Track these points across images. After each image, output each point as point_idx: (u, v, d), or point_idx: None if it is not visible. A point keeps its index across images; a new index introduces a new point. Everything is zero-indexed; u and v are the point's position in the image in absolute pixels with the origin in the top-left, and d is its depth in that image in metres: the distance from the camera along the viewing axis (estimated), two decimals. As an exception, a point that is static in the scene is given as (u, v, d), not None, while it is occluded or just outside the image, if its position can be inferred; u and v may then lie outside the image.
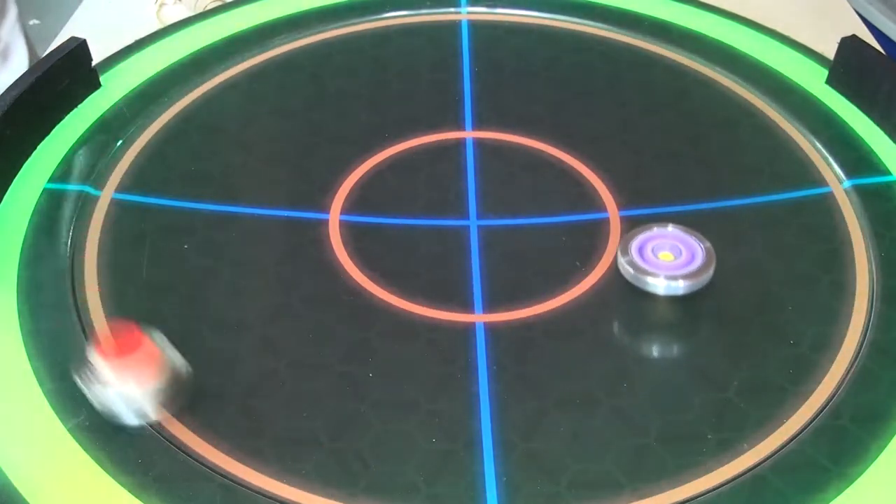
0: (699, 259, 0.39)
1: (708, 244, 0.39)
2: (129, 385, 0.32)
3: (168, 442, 0.34)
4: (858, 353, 0.37)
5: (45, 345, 0.37)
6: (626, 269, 0.39)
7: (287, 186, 0.45)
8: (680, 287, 0.38)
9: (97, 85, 0.50)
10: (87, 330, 0.38)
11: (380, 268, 0.41)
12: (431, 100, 0.50)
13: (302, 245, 0.42)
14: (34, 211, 0.43)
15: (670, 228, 0.40)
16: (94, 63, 0.49)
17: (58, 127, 0.47)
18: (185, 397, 0.34)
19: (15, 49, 0.64)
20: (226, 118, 0.49)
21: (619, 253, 0.39)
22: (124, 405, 0.33)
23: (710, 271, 0.38)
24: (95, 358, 0.32)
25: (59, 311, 0.38)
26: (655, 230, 0.40)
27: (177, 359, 0.33)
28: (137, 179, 0.45)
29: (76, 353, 0.36)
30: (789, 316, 0.39)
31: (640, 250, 0.39)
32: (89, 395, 0.33)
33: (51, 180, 0.44)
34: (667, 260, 0.39)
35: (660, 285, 0.38)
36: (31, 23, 1.51)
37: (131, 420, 0.33)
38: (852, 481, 0.33)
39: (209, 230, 0.43)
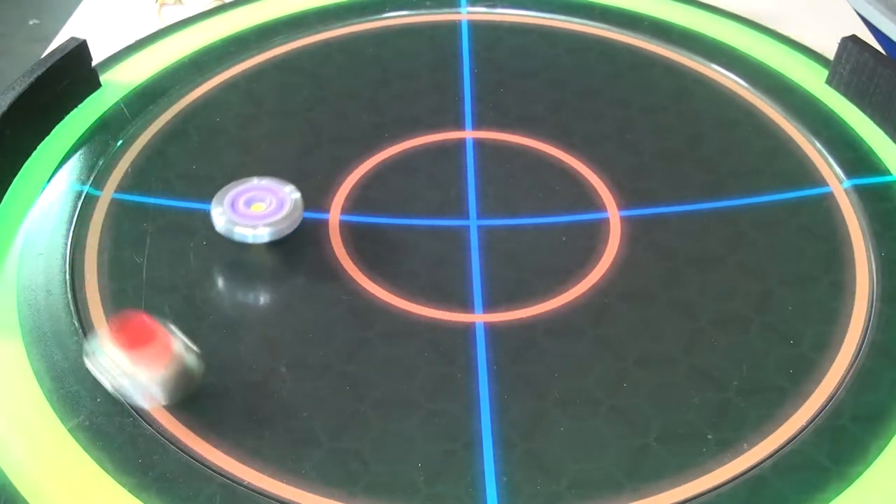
0: (286, 207, 0.40)
1: (297, 195, 0.41)
2: (140, 374, 0.32)
3: (168, 442, 0.34)
4: (858, 353, 0.37)
5: (45, 345, 0.37)
6: (219, 221, 0.40)
7: (287, 186, 0.45)
8: (265, 235, 0.39)
9: (97, 85, 0.50)
10: (87, 330, 0.38)
11: (380, 268, 0.41)
12: (431, 100, 0.50)
13: (302, 245, 0.42)
14: (34, 211, 0.43)
15: (257, 181, 0.41)
16: (94, 63, 0.49)
17: (58, 127, 0.47)
18: (194, 385, 0.34)
19: None
20: (226, 118, 0.49)
21: (212, 206, 0.40)
22: (136, 391, 0.33)
23: (296, 217, 0.40)
24: (108, 346, 0.32)
25: (59, 311, 0.38)
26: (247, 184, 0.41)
27: (188, 349, 0.34)
28: (137, 179, 0.45)
29: (77, 345, 0.36)
30: (789, 316, 0.39)
31: (233, 204, 0.40)
32: (100, 380, 0.33)
33: (51, 180, 0.44)
34: (258, 210, 0.40)
35: (248, 234, 0.39)
36: (31, 23, 1.51)
37: (142, 403, 0.34)
38: (852, 481, 0.33)
39: (209, 230, 0.42)
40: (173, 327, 0.34)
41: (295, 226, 0.40)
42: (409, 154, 0.47)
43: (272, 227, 0.39)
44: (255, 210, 0.40)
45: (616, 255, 0.42)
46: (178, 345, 0.33)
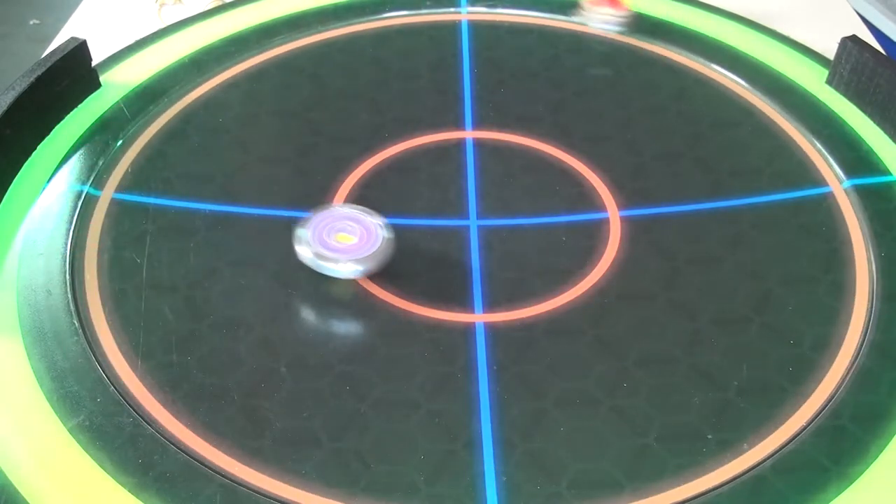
0: (377, 240, 0.38)
1: (382, 222, 0.39)
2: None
3: (168, 442, 0.34)
4: (858, 353, 0.37)
5: (45, 345, 0.37)
6: (306, 256, 0.38)
7: (287, 186, 0.45)
8: (360, 270, 0.38)
9: (97, 85, 0.50)
10: (87, 330, 0.38)
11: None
12: (431, 100, 0.50)
13: (302, 245, 0.42)
14: (34, 211, 0.43)
15: (345, 209, 0.40)
16: (94, 63, 0.49)
17: (58, 127, 0.47)
18: None
19: None
20: (226, 118, 0.49)
21: (295, 242, 0.39)
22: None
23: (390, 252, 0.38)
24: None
25: (59, 311, 0.38)
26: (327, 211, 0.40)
27: None
28: (137, 179, 0.45)
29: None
30: (789, 316, 0.39)
31: (319, 236, 0.38)
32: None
33: (51, 180, 0.44)
34: (347, 242, 0.38)
35: (342, 270, 0.38)
36: (32, 23, 1.52)
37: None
38: (852, 481, 0.33)
39: (209, 230, 0.43)
40: None
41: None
42: (409, 154, 0.47)
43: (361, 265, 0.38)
44: (341, 241, 0.38)
45: (616, 255, 0.42)
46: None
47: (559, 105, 0.50)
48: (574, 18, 0.54)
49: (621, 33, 0.54)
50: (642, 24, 0.55)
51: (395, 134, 0.48)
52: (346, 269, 0.38)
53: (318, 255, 0.38)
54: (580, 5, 0.55)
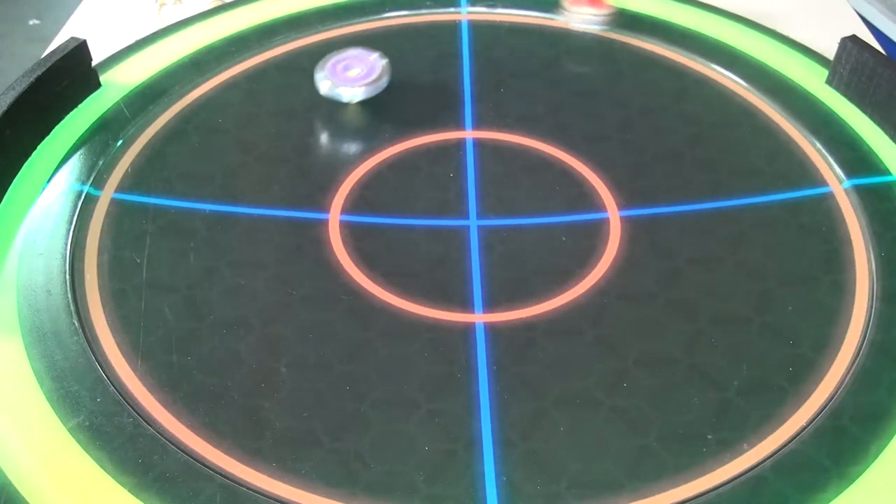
0: (377, 71, 0.48)
1: (385, 60, 0.49)
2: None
3: (168, 442, 0.34)
4: (858, 353, 0.37)
5: (45, 345, 0.37)
6: (325, 85, 0.48)
7: (287, 186, 0.45)
8: (359, 94, 0.48)
9: (97, 85, 0.50)
10: (87, 330, 0.38)
11: (380, 268, 0.41)
12: (431, 100, 0.50)
13: (302, 245, 0.42)
14: (34, 211, 0.43)
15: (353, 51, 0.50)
16: (94, 63, 0.49)
17: (58, 127, 0.47)
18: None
19: None
20: (226, 118, 0.49)
21: (315, 72, 0.48)
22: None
23: (385, 80, 0.48)
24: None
25: (59, 311, 0.38)
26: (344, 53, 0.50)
27: None
28: (137, 179, 0.45)
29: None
30: (789, 316, 0.39)
31: (333, 68, 0.49)
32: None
33: (51, 180, 0.44)
34: (353, 74, 0.48)
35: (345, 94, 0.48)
36: (31, 23, 1.52)
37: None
38: (852, 481, 0.33)
39: (209, 230, 0.43)
40: None
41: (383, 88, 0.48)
42: (409, 154, 0.47)
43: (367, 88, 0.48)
44: (351, 75, 0.48)
45: (616, 255, 0.42)
46: None
47: (559, 105, 0.50)
48: (556, 17, 0.54)
49: (605, 31, 0.54)
50: (642, 24, 0.55)
51: (395, 134, 0.48)
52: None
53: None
54: (561, 5, 0.55)
